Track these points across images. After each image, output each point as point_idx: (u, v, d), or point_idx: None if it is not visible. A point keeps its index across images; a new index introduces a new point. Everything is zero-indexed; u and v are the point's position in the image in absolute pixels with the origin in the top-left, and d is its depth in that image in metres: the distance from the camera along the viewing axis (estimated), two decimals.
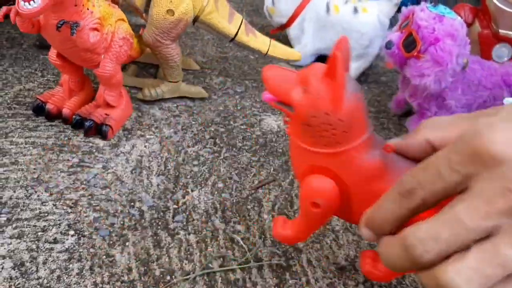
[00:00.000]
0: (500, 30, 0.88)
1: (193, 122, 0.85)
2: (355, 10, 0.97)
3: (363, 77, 1.06)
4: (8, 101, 0.82)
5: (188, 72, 0.99)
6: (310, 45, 1.03)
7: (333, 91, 0.40)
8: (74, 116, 0.76)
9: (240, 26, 0.86)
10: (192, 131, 0.83)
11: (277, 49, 0.90)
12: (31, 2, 0.58)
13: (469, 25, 0.95)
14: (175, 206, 0.67)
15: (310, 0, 1.02)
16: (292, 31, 1.05)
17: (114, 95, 0.76)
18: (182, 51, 0.86)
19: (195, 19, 0.83)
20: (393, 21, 0.97)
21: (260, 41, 0.88)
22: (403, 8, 0.87)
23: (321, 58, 1.06)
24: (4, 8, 0.70)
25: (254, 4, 1.31)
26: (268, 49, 0.88)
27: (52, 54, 0.73)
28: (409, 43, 0.80)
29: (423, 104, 0.85)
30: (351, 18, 0.96)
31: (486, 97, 0.85)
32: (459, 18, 0.80)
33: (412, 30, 0.80)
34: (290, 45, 1.07)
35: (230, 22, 0.85)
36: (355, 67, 1.01)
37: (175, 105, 0.89)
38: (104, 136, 0.76)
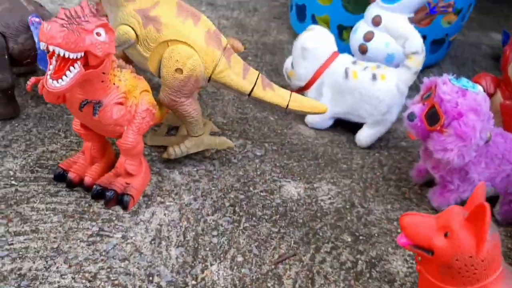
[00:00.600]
0: None
1: (213, 188, 0.85)
2: (374, 77, 0.97)
3: (383, 142, 1.06)
4: (31, 163, 0.83)
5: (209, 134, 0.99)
6: (328, 109, 1.03)
7: (476, 236, 0.44)
8: (94, 187, 0.76)
9: (256, 81, 0.85)
10: (212, 198, 0.82)
11: (299, 102, 0.87)
12: (59, 80, 0.59)
13: (491, 95, 0.95)
14: (194, 282, 0.66)
15: (328, 66, 1.03)
16: (310, 94, 1.06)
17: (135, 165, 0.76)
18: (203, 111, 0.86)
19: (209, 79, 0.83)
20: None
21: (278, 95, 0.87)
22: (425, 79, 0.87)
23: (339, 121, 1.06)
24: (33, 79, 0.72)
25: (274, 63, 1.32)
26: (288, 103, 0.87)
27: (76, 124, 0.74)
28: (432, 116, 0.79)
29: (445, 176, 0.84)
30: (370, 85, 0.97)
31: (509, 171, 0.83)
32: (481, 91, 0.80)
33: (435, 103, 0.80)
34: None
35: (244, 77, 0.85)
36: (372, 133, 1.00)
37: (195, 169, 0.89)
38: (125, 207, 0.75)
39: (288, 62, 1.09)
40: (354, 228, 0.82)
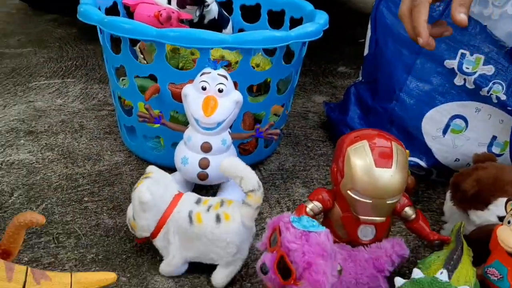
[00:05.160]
0: (360, 217, 0.92)
1: None
2: (218, 218, 0.95)
3: (243, 269, 1.03)
4: None
5: None
6: (178, 256, 0.98)
7: None
8: None
9: (26, 278, 0.76)
10: None
11: (83, 282, 0.79)
12: None
13: (330, 209, 0.99)
14: None
15: (172, 211, 0.98)
16: (158, 243, 1.00)
17: None
18: None
19: None
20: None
21: (58, 283, 0.78)
22: (268, 220, 0.87)
23: (192, 264, 1.01)
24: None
25: (114, 197, 1.23)
26: (71, 286, 0.79)
27: None
28: (284, 268, 0.79)
29: None
30: (215, 229, 0.94)
31: None
32: (324, 229, 0.82)
33: (283, 253, 0.79)
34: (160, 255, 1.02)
35: (10, 279, 0.75)
36: (227, 274, 0.98)
37: None
38: None
39: (129, 213, 1.01)
40: None
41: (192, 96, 1.11)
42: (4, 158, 1.38)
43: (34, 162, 1.36)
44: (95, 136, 1.52)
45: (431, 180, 1.37)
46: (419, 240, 1.15)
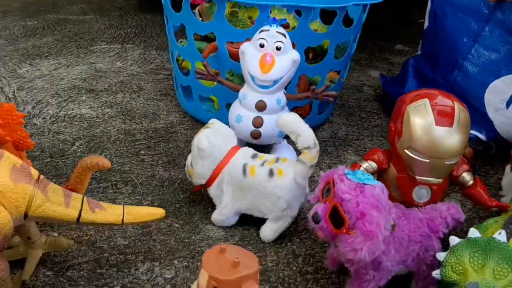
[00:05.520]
0: (416, 177, 0.90)
1: None
2: (271, 172, 0.96)
3: (292, 226, 1.04)
4: None
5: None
6: (230, 206, 1.00)
7: None
8: None
9: (82, 206, 0.79)
10: None
11: (134, 214, 0.83)
12: None
13: (385, 169, 0.97)
14: None
15: (228, 162, 1.00)
16: (212, 192, 1.02)
17: None
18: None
19: (25, 216, 0.76)
20: None
21: (111, 213, 0.81)
22: (321, 173, 0.87)
23: (244, 217, 1.03)
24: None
25: (169, 153, 1.27)
26: (123, 219, 0.81)
27: None
28: (337, 217, 0.79)
29: (360, 269, 0.84)
30: (267, 182, 0.95)
31: (418, 250, 0.85)
32: (379, 183, 0.81)
33: (336, 204, 0.79)
34: (212, 202, 1.04)
35: (68, 205, 0.79)
36: (275, 228, 0.99)
37: None
38: None
39: (188, 160, 1.04)
40: None
41: (250, 53, 1.11)
42: (67, 111, 1.44)
43: (94, 117, 1.42)
44: (152, 97, 1.56)
45: (490, 155, 1.32)
46: (474, 211, 1.12)
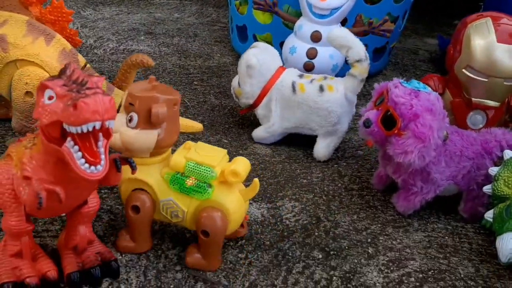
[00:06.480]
0: (473, 99, 0.88)
1: None
2: (321, 88, 0.96)
3: (339, 153, 1.04)
4: None
5: None
6: (278, 124, 1.01)
7: None
8: (72, 276, 0.63)
9: (121, 103, 0.78)
10: (171, 230, 0.77)
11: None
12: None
13: (440, 95, 0.95)
14: None
15: (275, 81, 1.01)
16: (260, 111, 1.03)
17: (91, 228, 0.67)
18: None
19: None
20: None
21: None
22: (376, 85, 0.86)
23: (293, 136, 1.03)
24: None
25: (221, 85, 1.29)
26: None
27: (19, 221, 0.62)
28: (388, 121, 0.78)
29: (408, 180, 0.83)
30: (318, 97, 0.95)
31: (469, 167, 0.83)
32: (433, 91, 0.80)
33: (390, 107, 0.79)
34: (260, 125, 1.05)
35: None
36: (326, 144, 0.99)
37: None
38: (116, 274, 0.66)
39: (235, 81, 1.06)
40: (324, 243, 0.79)
41: None
42: (126, 46, 1.49)
43: (151, 52, 1.46)
44: (207, 42, 1.59)
45: None
46: None
